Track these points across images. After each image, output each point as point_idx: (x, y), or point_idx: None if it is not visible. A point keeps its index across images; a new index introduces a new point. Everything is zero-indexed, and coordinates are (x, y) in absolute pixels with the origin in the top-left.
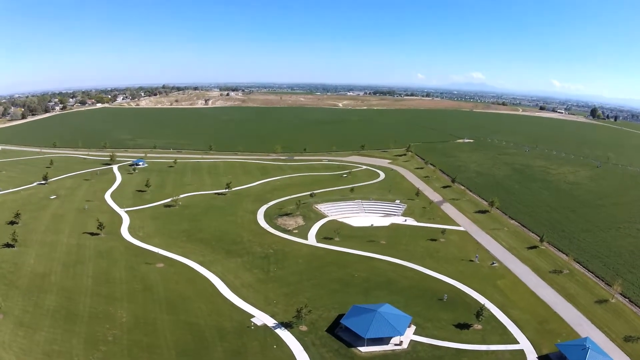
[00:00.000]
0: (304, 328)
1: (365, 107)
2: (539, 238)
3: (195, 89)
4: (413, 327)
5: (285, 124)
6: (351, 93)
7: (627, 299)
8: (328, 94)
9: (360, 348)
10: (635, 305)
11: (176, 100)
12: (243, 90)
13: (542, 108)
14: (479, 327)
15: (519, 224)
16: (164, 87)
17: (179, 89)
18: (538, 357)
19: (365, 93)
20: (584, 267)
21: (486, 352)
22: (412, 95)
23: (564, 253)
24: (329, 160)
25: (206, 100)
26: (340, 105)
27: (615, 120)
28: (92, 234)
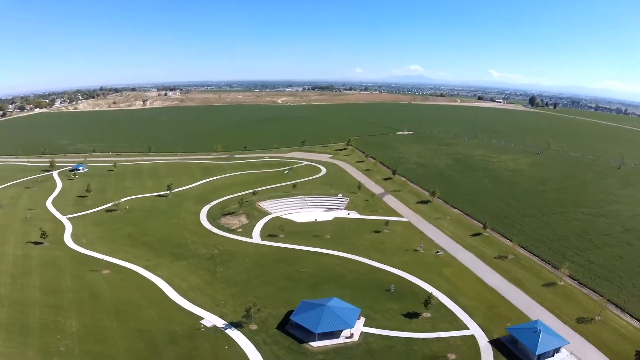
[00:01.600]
0: (254, 327)
1: (304, 103)
2: (482, 225)
3: (133, 89)
4: (363, 319)
5: (225, 122)
6: (290, 89)
7: (576, 281)
8: (267, 90)
9: (311, 343)
10: (586, 287)
11: (114, 102)
12: (181, 90)
13: (480, 98)
14: (428, 315)
15: (462, 213)
16: (101, 89)
17: (116, 90)
18: (489, 342)
19: (304, 89)
20: (529, 251)
21: (437, 339)
22: (351, 89)
23: (508, 239)
24: (270, 158)
25: (144, 101)
26: (280, 101)
27: (555, 107)
28: (36, 243)
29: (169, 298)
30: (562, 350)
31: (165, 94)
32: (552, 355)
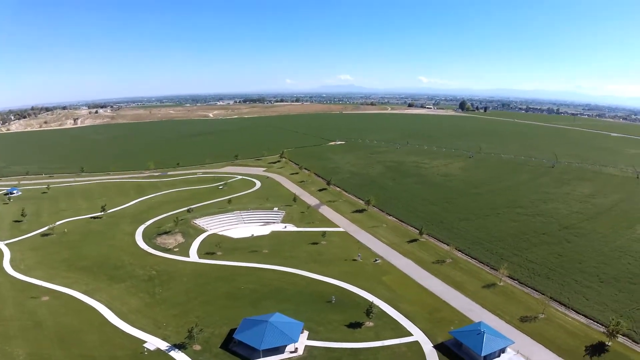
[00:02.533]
0: (197, 347)
1: (236, 116)
2: (418, 231)
3: (64, 108)
4: (306, 333)
5: (157, 138)
6: (221, 102)
7: (516, 281)
8: (198, 104)
9: None
10: (526, 286)
11: (45, 122)
12: (112, 107)
13: (410, 105)
14: (371, 324)
15: (397, 220)
16: (32, 108)
17: (47, 109)
18: (434, 347)
19: (236, 102)
20: (466, 254)
21: (382, 347)
22: (282, 101)
23: (444, 243)
24: (204, 173)
25: (75, 120)
26: (211, 115)
27: (485, 111)
28: None
29: (110, 322)
30: (508, 350)
31: (96, 112)
32: (499, 356)
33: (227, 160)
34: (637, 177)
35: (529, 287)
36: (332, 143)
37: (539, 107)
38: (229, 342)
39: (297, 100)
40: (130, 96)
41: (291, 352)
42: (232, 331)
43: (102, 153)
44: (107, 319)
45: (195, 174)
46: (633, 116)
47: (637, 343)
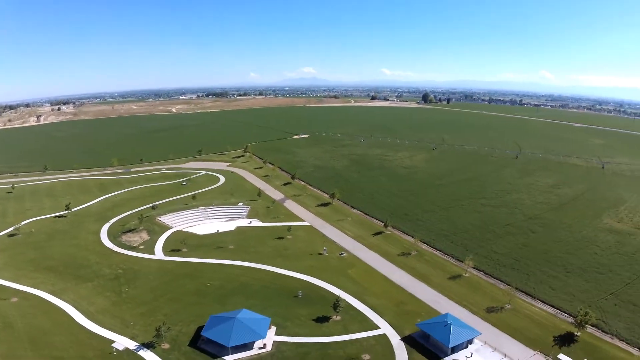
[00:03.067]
0: (166, 346)
1: (199, 111)
2: (383, 224)
3: (27, 106)
4: (274, 328)
5: (120, 135)
6: (184, 97)
7: (481, 272)
8: (160, 99)
9: (225, 357)
10: (492, 277)
11: (9, 120)
12: (74, 103)
13: (373, 97)
14: (338, 318)
15: (362, 213)
16: None
17: (11, 107)
18: (401, 339)
19: (199, 96)
20: (431, 246)
21: (350, 341)
22: (245, 94)
23: (409, 235)
24: (167, 169)
25: (38, 117)
26: (174, 110)
27: (448, 102)
28: None
29: (78, 323)
30: (475, 340)
31: (59, 109)
32: (466, 347)
33: (191, 155)
34: (603, 167)
35: (494, 278)
36: (296, 137)
37: (501, 99)
38: (197, 340)
39: (260, 94)
40: (92, 92)
41: (260, 348)
42: (200, 328)
43: (65, 151)
44: (74, 320)
45: (158, 170)
46: (597, 106)
47: (607, 333)
